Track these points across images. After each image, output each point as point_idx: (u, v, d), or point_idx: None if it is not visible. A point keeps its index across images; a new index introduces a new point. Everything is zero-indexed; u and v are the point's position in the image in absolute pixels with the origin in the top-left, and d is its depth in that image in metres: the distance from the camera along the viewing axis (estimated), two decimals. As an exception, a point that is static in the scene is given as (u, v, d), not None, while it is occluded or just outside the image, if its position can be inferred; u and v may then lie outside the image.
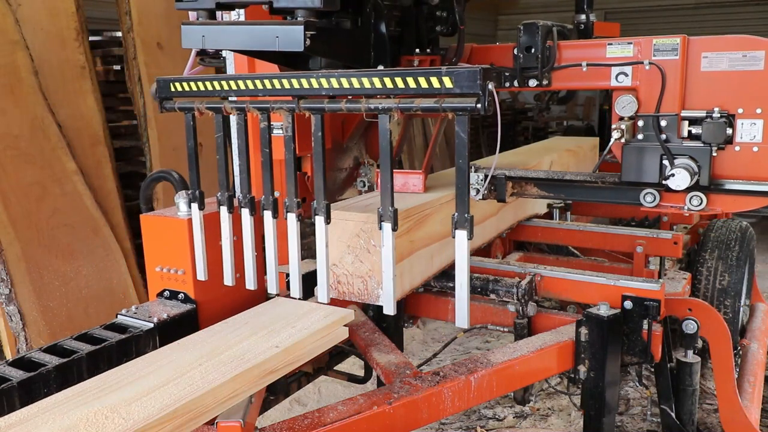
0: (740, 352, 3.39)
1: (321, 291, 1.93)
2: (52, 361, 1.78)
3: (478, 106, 1.56)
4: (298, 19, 1.77)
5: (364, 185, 2.43)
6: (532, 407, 3.64)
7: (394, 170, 1.96)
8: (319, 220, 1.79)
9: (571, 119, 12.48)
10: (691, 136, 2.31)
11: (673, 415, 2.43)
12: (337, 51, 2.09)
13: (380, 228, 1.75)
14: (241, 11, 2.15)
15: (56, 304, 3.73)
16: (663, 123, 2.33)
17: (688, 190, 2.30)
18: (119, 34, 4.56)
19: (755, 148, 2.25)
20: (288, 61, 2.19)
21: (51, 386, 1.74)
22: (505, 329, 2.51)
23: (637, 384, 3.53)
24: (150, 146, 4.38)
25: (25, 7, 3.91)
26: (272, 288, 1.96)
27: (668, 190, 2.32)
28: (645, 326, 2.22)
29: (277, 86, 1.79)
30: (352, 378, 2.97)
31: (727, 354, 2.44)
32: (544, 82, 2.56)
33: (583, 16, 3.28)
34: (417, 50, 2.57)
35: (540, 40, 2.48)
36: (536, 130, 11.28)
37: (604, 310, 2.18)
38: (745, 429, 2.48)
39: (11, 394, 1.65)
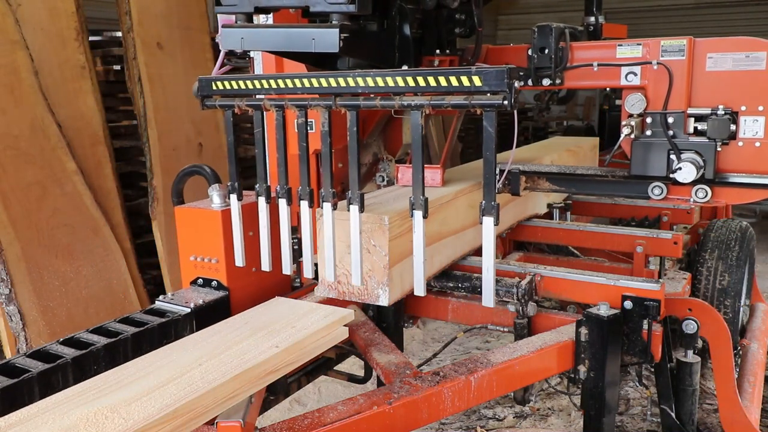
0: (740, 352, 3.39)
1: (355, 274, 2.01)
2: (100, 341, 1.92)
3: (505, 102, 1.68)
4: (333, 22, 1.90)
5: (383, 180, 2.49)
6: (532, 407, 3.64)
7: (408, 165, 2.32)
8: (354, 209, 1.88)
9: (571, 119, 12.49)
10: (697, 132, 2.46)
11: (673, 415, 2.43)
12: (365, 52, 2.23)
13: (411, 216, 1.86)
14: (269, 15, 2.28)
15: (56, 304, 3.73)
16: (670, 120, 2.48)
17: (694, 183, 2.45)
18: (119, 34, 4.56)
19: (757, 144, 2.39)
20: (317, 61, 2.31)
21: (100, 364, 1.88)
22: (505, 329, 2.51)
23: (637, 384, 3.53)
24: (150, 146, 4.38)
25: (25, 7, 3.91)
26: (308, 273, 2.06)
27: (675, 183, 2.47)
28: (645, 326, 2.22)
29: (315, 85, 1.90)
30: (352, 378, 2.97)
31: (727, 354, 2.44)
32: (557, 81, 2.69)
33: (593, 18, 3.43)
34: (437, 51, 2.71)
35: (553, 42, 2.63)
36: (536, 129, 11.27)
37: (604, 310, 2.18)
38: (745, 429, 2.48)
39: (65, 369, 1.80)
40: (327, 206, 1.92)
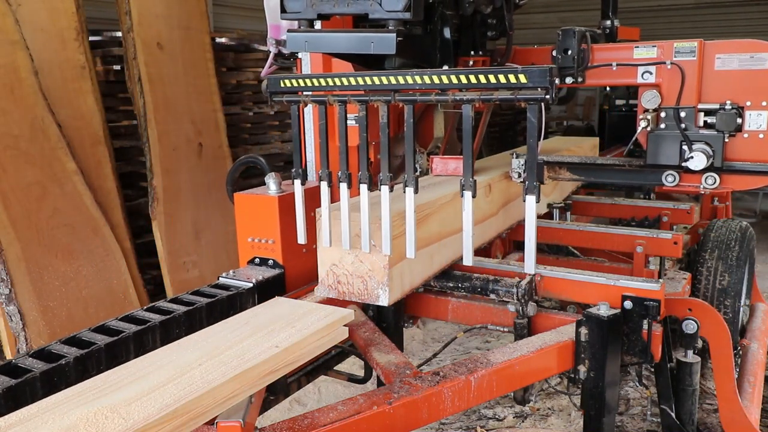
0: (740, 352, 3.39)
1: (409, 248, 2.12)
2: (179, 309, 2.17)
3: (547, 96, 1.86)
4: (390, 27, 2.14)
5: (416, 170, 2.59)
6: (532, 407, 3.64)
7: (447, 156, 2.84)
8: (409, 191, 2.08)
9: (571, 119, 12.47)
10: (707, 125, 2.76)
11: (673, 415, 2.43)
12: (412, 53, 2.46)
13: (462, 195, 2.03)
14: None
15: (56, 304, 3.73)
16: (682, 114, 2.77)
17: (704, 171, 2.74)
18: (119, 34, 4.56)
19: (761, 135, 2.69)
20: (366, 61, 2.52)
21: (181, 328, 2.14)
22: (505, 329, 2.51)
23: (637, 384, 3.53)
24: (150, 146, 4.38)
25: (25, 7, 3.91)
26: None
27: (687, 171, 2.77)
28: (645, 326, 2.22)
29: (377, 82, 2.07)
30: (352, 378, 2.97)
31: (727, 354, 2.44)
32: (579, 80, 2.95)
33: (609, 22, 3.75)
34: (472, 52, 3.00)
35: (576, 44, 2.88)
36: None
37: (604, 310, 2.18)
38: (745, 429, 2.48)
39: (154, 331, 2.06)
40: (385, 189, 2.13)
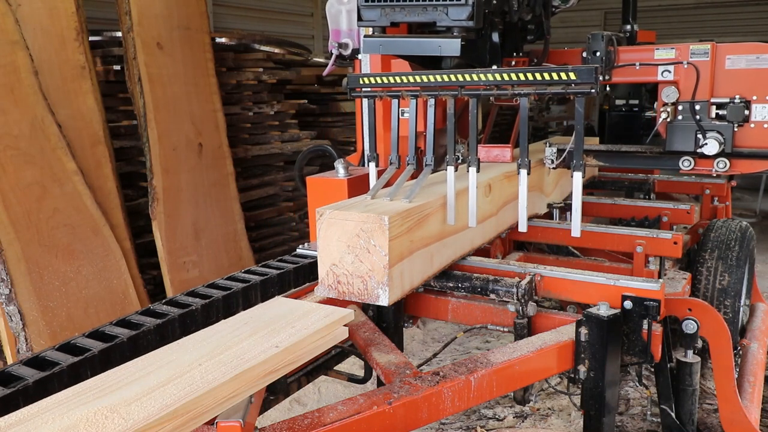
0: (740, 352, 3.39)
1: (471, 218, 2.46)
2: (254, 278, 2.38)
3: (593, 90, 2.15)
4: (455, 33, 2.51)
5: (458, 159, 2.75)
6: (532, 407, 3.64)
7: (489, 145, 3.22)
8: (473, 170, 2.37)
9: (571, 119, 12.45)
10: (718, 117, 3.20)
11: (673, 415, 2.43)
12: (467, 54, 2.68)
13: (518, 173, 2.33)
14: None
15: (56, 304, 3.72)
16: (697, 107, 3.21)
17: (716, 156, 3.17)
18: (119, 34, 4.56)
19: (765, 125, 3.13)
20: (424, 62, 2.84)
21: (257, 295, 2.35)
22: (505, 329, 2.51)
23: (637, 384, 3.53)
24: (150, 146, 4.37)
25: (25, 7, 3.91)
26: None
27: (702, 156, 3.22)
28: (645, 326, 2.22)
29: (446, 79, 2.34)
30: (352, 378, 2.97)
31: (727, 354, 2.44)
32: (606, 78, 3.34)
33: (629, 26, 4.23)
34: (514, 53, 3.41)
35: (604, 46, 3.27)
36: (536, 129, 11.24)
37: (604, 310, 2.18)
38: (745, 429, 2.48)
39: (238, 296, 2.28)
40: (450, 170, 2.41)
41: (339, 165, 3.08)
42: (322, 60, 6.84)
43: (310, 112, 6.37)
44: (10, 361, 3.58)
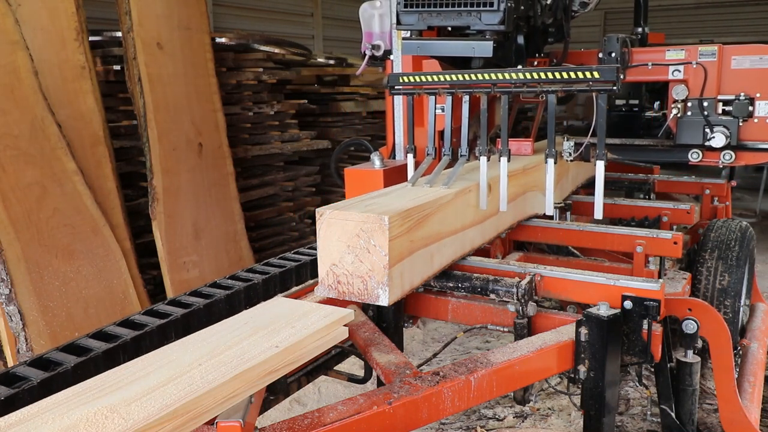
0: (740, 352, 3.39)
1: (503, 203, 2.69)
2: (287, 264, 2.66)
3: (614, 88, 2.33)
4: (487, 36, 2.74)
5: (481, 153, 3.00)
6: (532, 407, 3.64)
7: (513, 139, 3.30)
8: (504, 160, 2.58)
9: (571, 119, 12.46)
10: (725, 113, 3.51)
11: (673, 415, 2.43)
12: (495, 55, 2.85)
13: (546, 162, 2.61)
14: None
15: (56, 304, 3.72)
16: (705, 104, 3.52)
17: (722, 149, 3.50)
18: (119, 34, 4.56)
19: None
20: (455, 62, 3.05)
21: (292, 278, 2.63)
22: (505, 329, 2.51)
23: (637, 384, 3.53)
24: (150, 146, 4.37)
25: (25, 7, 3.91)
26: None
27: (709, 149, 3.55)
28: (645, 326, 2.22)
29: (480, 78, 2.50)
30: (352, 378, 2.97)
31: (727, 354, 2.44)
32: (621, 77, 3.56)
33: (640, 29, 4.47)
34: (536, 54, 3.60)
35: (619, 47, 3.50)
36: (537, 129, 11.22)
37: (604, 310, 2.18)
38: (745, 429, 2.48)
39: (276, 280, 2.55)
40: (483, 159, 2.61)
41: (375, 157, 3.25)
42: (322, 60, 6.84)
43: (310, 112, 6.37)
44: (10, 361, 3.58)
